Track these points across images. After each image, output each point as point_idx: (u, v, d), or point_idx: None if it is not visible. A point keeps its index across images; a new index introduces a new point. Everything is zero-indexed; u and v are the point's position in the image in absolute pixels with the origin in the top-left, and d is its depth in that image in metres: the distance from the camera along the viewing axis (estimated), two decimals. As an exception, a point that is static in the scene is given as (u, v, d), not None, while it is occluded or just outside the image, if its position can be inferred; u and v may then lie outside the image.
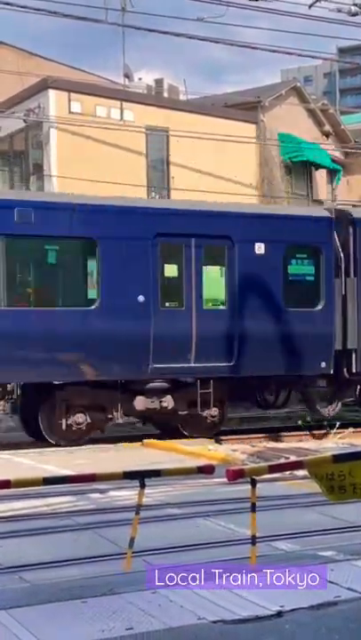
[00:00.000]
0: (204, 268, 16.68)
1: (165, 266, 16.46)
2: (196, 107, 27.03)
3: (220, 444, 16.25)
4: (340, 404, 18.46)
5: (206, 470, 6.88)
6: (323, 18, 16.17)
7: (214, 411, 17.00)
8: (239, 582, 5.82)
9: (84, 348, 15.50)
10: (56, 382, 15.82)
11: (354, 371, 17.68)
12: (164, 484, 10.42)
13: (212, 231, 16.55)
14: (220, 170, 25.31)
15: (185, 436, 16.70)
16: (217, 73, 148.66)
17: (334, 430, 17.49)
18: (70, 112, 23.72)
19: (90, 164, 22.83)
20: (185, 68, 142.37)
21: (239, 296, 16.75)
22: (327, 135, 31.12)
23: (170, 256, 16.47)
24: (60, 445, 15.66)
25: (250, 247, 16.85)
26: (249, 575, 6.00)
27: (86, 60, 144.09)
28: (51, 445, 15.74)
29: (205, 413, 16.91)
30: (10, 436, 17.40)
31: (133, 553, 6.64)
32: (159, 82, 30.34)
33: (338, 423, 17.78)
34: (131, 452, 14.85)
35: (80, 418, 15.97)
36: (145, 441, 15.92)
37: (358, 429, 18.22)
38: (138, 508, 6.44)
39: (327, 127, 31.08)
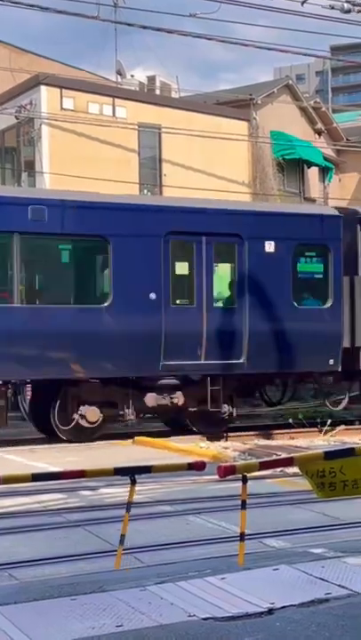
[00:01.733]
0: (214, 265, 16.85)
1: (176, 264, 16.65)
2: (188, 104, 27.01)
3: (227, 440, 16.32)
4: (346, 400, 18.68)
5: (197, 467, 6.85)
6: (316, 15, 16.17)
7: (224, 407, 17.14)
8: (229, 579, 5.81)
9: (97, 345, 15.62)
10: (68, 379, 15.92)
11: None
12: (155, 482, 10.41)
13: (222, 229, 16.66)
14: (213, 167, 25.28)
15: (194, 433, 16.88)
16: (213, 71, 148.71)
17: (325, 428, 17.51)
18: (62, 109, 23.65)
19: (82, 160, 22.77)
20: (181, 67, 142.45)
21: (249, 293, 16.92)
22: (319, 133, 31.13)
23: (181, 254, 16.65)
24: (71, 442, 15.78)
25: (260, 245, 16.96)
26: (239, 572, 5.99)
27: (81, 59, 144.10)
28: (63, 442, 15.81)
29: (216, 410, 16.99)
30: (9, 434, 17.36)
31: (124, 550, 6.62)
32: (152, 79, 30.31)
33: (329, 421, 17.80)
34: (122, 450, 14.83)
35: (93, 414, 16.07)
36: (136, 438, 15.91)
37: (349, 427, 18.27)
38: (128, 505, 6.42)
39: (319, 125, 31.08)
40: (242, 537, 6.15)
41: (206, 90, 33.72)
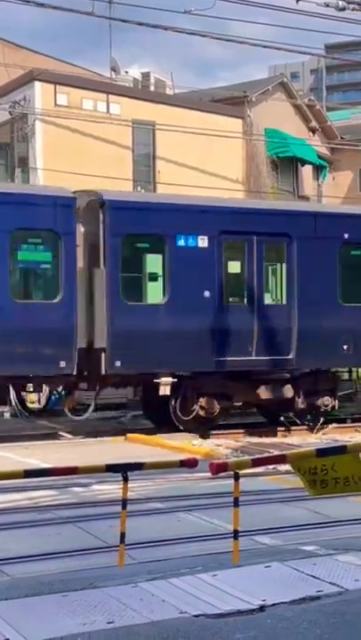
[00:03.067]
0: None
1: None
2: (182, 101, 26.98)
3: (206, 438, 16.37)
4: (93, 407, 16.48)
5: (189, 464, 6.85)
6: (311, 13, 16.16)
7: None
8: (221, 576, 5.81)
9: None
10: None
11: (103, 372, 15.72)
12: (147, 478, 10.40)
13: None
14: (207, 165, 25.27)
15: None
16: (209, 69, 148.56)
17: (318, 426, 17.54)
18: (56, 104, 23.61)
19: (76, 157, 22.73)
20: (177, 65, 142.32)
21: None
22: (314, 131, 31.16)
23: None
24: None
25: None
26: (231, 569, 5.99)
27: (77, 56, 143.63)
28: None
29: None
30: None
31: (115, 547, 6.60)
32: (146, 75, 30.27)
33: (322, 419, 17.83)
34: (114, 447, 14.82)
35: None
36: (128, 435, 15.89)
37: (341, 425, 18.29)
38: (124, 502, 6.39)
39: (314, 123, 31.11)
40: (235, 534, 6.14)
41: (201, 87, 33.64)
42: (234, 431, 17.60)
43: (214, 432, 17.10)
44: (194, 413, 16.73)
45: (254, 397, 17.41)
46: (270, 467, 10.95)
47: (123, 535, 6.36)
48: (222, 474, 6.40)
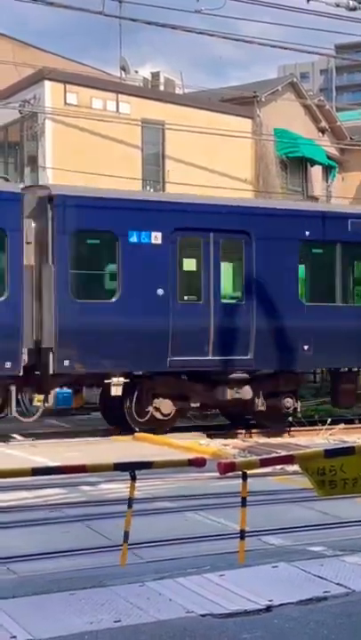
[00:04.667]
0: None
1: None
2: (192, 100, 26.96)
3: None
4: (42, 410, 16.06)
5: (197, 463, 6.85)
6: (321, 12, 16.13)
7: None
8: (228, 576, 5.81)
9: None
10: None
11: (52, 372, 15.42)
12: (155, 477, 10.40)
13: None
14: (216, 164, 25.25)
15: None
16: (221, 69, 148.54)
17: (325, 427, 17.50)
18: (66, 104, 23.62)
19: (85, 156, 22.74)
20: (189, 64, 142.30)
21: None
22: (323, 132, 31.09)
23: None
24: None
25: None
26: (238, 569, 5.99)
27: (88, 55, 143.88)
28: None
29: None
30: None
31: (122, 546, 6.61)
32: (156, 75, 30.25)
33: (329, 419, 17.78)
34: (122, 446, 14.83)
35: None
36: (136, 434, 15.90)
37: (349, 426, 18.24)
38: (130, 501, 6.39)
39: (323, 124, 31.04)
40: (242, 534, 6.14)
41: (211, 87, 33.62)
42: (241, 431, 17.61)
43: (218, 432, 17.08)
44: (148, 415, 16.40)
45: (212, 399, 16.99)
46: (278, 467, 10.95)
47: (126, 534, 6.36)
48: (230, 474, 6.39)
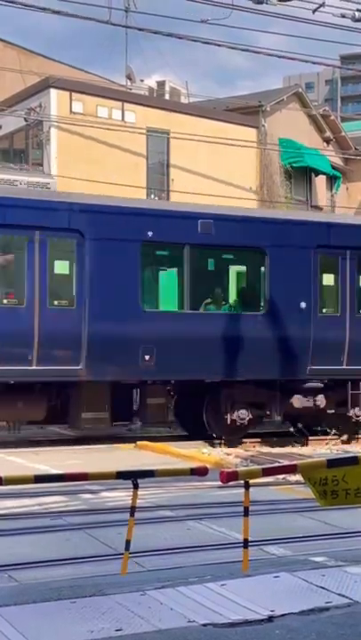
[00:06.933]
0: None
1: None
2: (197, 109, 27.06)
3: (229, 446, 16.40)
4: None
5: (200, 472, 6.83)
6: (327, 23, 16.17)
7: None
8: (230, 586, 5.79)
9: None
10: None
11: None
12: (157, 486, 10.39)
13: None
14: (220, 173, 25.31)
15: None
16: (229, 79, 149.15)
17: (329, 437, 17.47)
18: (72, 112, 23.72)
19: (90, 164, 22.82)
20: (196, 75, 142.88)
21: None
22: (328, 142, 31.17)
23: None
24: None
25: None
26: (240, 579, 5.97)
27: (95, 64, 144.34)
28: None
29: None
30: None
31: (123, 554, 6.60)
32: (161, 84, 30.37)
33: (333, 430, 17.74)
34: (124, 454, 14.81)
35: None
36: (138, 443, 15.88)
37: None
38: (132, 509, 6.37)
39: (328, 134, 31.13)
40: (245, 543, 6.12)
41: (217, 96, 33.72)
42: (244, 440, 17.56)
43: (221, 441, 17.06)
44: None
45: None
46: (280, 477, 10.94)
47: (128, 543, 6.34)
48: (232, 483, 6.38)
